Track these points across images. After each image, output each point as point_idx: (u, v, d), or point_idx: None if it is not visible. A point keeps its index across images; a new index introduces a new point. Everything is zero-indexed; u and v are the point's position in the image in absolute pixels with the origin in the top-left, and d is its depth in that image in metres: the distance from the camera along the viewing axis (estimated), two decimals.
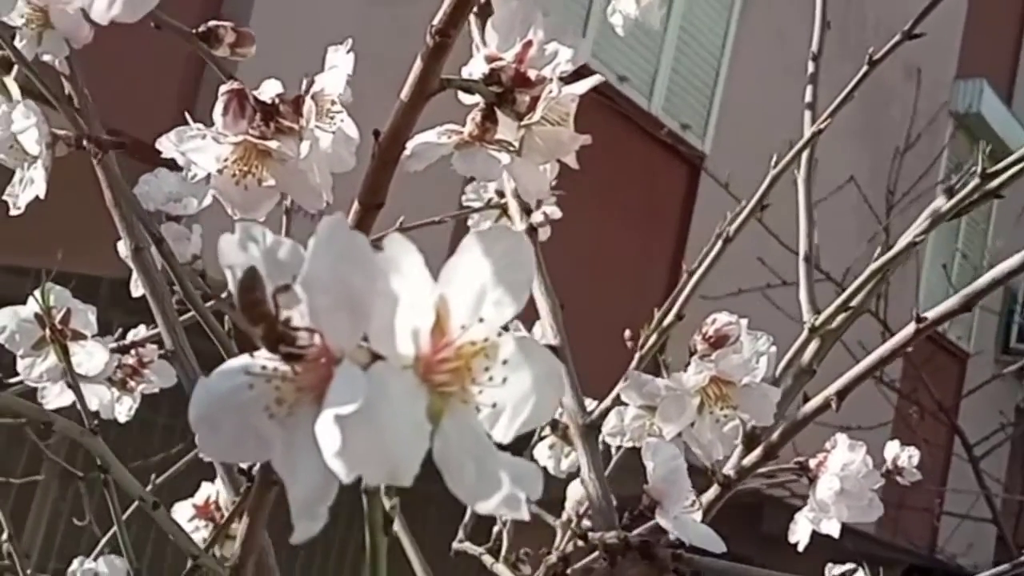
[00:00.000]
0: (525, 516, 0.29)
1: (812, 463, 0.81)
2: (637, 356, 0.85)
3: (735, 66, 6.17)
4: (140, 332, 1.04)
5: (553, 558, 0.72)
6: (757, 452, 0.81)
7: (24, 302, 0.79)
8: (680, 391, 0.67)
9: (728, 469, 0.81)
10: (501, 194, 1.18)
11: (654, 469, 0.59)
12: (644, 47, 5.56)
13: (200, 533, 1.28)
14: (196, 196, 0.93)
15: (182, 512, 1.28)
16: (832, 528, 0.80)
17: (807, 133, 0.93)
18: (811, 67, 0.96)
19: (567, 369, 0.89)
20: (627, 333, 0.91)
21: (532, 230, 0.98)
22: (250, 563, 0.69)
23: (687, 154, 5.91)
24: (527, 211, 0.98)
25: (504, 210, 1.17)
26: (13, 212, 0.64)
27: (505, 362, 0.30)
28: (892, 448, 1.49)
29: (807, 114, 0.95)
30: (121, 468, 0.59)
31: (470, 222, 1.17)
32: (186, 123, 0.55)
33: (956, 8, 7.09)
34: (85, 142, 0.67)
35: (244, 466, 1.07)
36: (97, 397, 1.05)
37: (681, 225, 5.99)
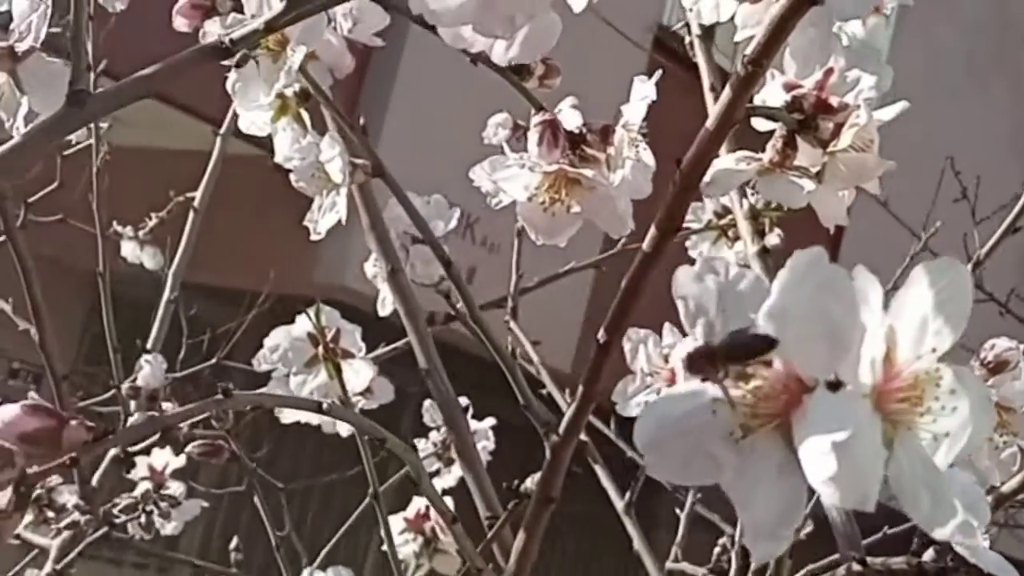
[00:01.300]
0: (979, 543, 0.29)
1: None
2: None
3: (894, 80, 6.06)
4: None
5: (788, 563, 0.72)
6: (1017, 480, 0.79)
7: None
8: None
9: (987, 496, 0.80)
10: (719, 215, 1.19)
11: None
12: None
13: (410, 546, 1.31)
14: (442, 219, 0.96)
15: (394, 525, 1.31)
16: None
17: None
18: None
19: None
20: None
21: (765, 251, 0.98)
22: None
23: None
24: (760, 233, 0.98)
25: (723, 231, 1.17)
26: (314, 237, 0.67)
27: (951, 392, 0.31)
28: None
29: None
30: (430, 485, 0.62)
31: (688, 243, 1.18)
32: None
33: None
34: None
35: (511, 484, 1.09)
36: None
37: (833, 246, 5.91)
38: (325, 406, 0.48)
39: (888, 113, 0.57)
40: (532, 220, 0.59)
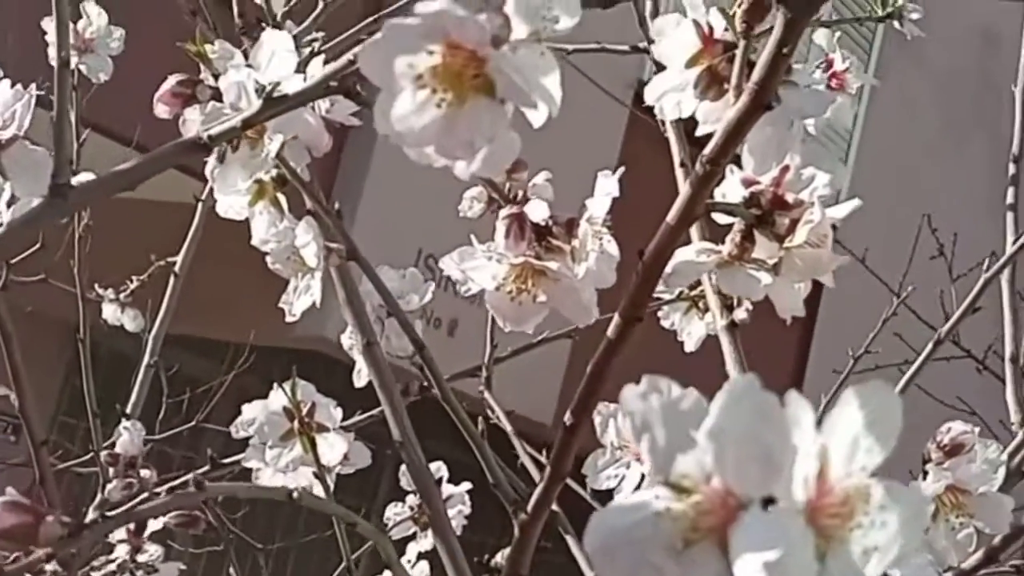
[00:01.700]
0: None
1: None
2: None
3: (866, 139, 6.13)
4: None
5: None
6: (976, 557, 0.81)
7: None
8: None
9: (947, 574, 0.82)
10: (690, 287, 1.22)
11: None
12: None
13: None
14: (417, 293, 0.98)
15: None
16: None
17: (1010, 235, 0.95)
18: (1012, 168, 0.98)
19: None
20: None
21: (733, 325, 1.01)
22: None
23: None
24: (728, 307, 1.01)
25: (694, 302, 1.20)
26: (289, 319, 0.69)
27: (881, 507, 0.33)
28: None
29: (1009, 216, 0.96)
30: (400, 566, 0.63)
31: (660, 313, 1.21)
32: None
33: None
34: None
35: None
36: (306, 479, 1.11)
37: (811, 300, 5.94)
38: (296, 495, 0.50)
39: (841, 211, 0.60)
40: (499, 308, 0.61)
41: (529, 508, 0.70)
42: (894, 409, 0.33)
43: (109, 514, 0.99)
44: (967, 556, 0.75)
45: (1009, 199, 0.99)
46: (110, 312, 1.60)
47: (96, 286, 1.58)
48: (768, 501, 0.32)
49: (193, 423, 1.37)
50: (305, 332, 4.11)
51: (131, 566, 0.92)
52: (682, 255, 0.62)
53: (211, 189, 1.35)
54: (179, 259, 1.31)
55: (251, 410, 0.82)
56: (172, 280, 1.30)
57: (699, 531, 0.32)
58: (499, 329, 1.12)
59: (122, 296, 1.58)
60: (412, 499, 1.39)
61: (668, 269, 0.61)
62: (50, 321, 2.97)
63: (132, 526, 1.23)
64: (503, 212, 0.60)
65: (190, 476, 0.86)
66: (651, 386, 0.33)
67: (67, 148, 0.56)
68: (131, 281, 1.57)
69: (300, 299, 0.68)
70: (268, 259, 0.70)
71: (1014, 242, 0.92)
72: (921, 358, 0.88)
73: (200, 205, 1.34)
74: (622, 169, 0.59)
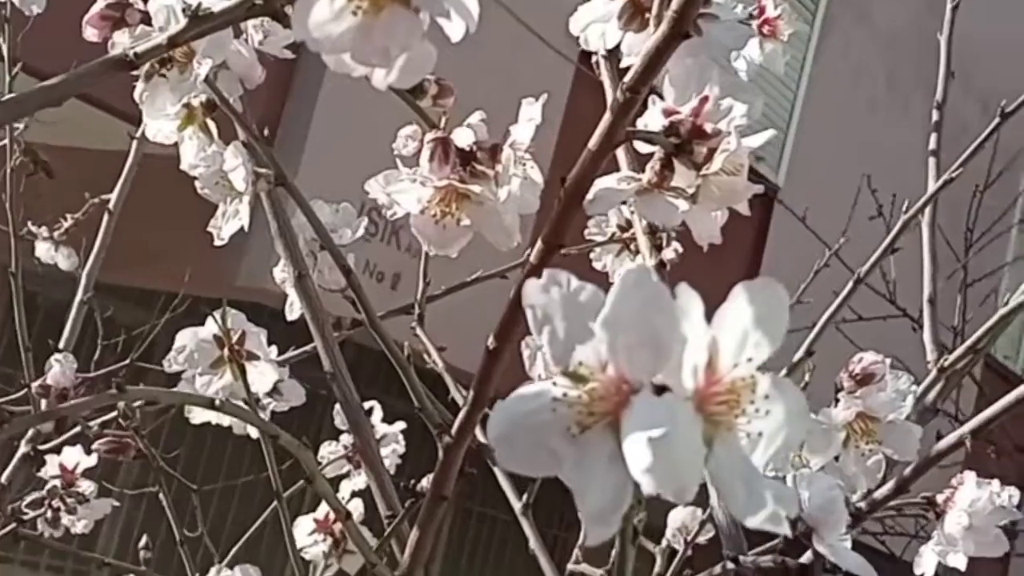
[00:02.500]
0: (787, 532, 0.33)
1: (940, 499, 0.84)
2: None
3: (810, 99, 6.19)
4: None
5: (682, 550, 0.76)
6: (888, 487, 0.84)
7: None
8: (828, 425, 0.71)
9: (860, 503, 0.85)
10: (622, 229, 1.23)
11: (811, 498, 0.63)
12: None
13: (319, 546, 1.33)
14: (349, 227, 0.99)
15: (303, 526, 1.34)
16: (959, 561, 0.83)
17: (931, 180, 0.97)
18: (935, 115, 1.00)
19: None
20: None
21: (662, 265, 1.03)
22: (419, 571, 0.74)
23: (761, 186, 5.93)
24: (657, 247, 1.03)
25: (625, 244, 1.22)
26: (218, 243, 0.69)
27: (765, 397, 0.35)
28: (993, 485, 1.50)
29: (931, 161, 0.98)
30: (323, 483, 0.65)
31: (592, 255, 1.22)
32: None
33: None
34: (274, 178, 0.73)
35: (406, 483, 1.12)
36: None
37: (754, 257, 6.01)
38: (217, 402, 0.51)
39: (757, 140, 0.61)
40: (424, 232, 0.62)
41: (453, 432, 0.71)
42: (781, 306, 0.35)
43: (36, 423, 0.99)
44: (877, 482, 0.78)
45: (932, 144, 1.01)
46: (43, 250, 1.59)
47: (29, 224, 1.57)
48: (660, 390, 0.34)
49: (128, 361, 1.37)
50: (247, 282, 4.09)
51: (61, 492, 0.92)
52: (603, 183, 0.63)
53: (146, 127, 1.34)
54: (113, 196, 1.31)
55: (182, 337, 0.82)
56: (106, 217, 1.30)
57: (595, 415, 0.34)
58: (433, 270, 1.13)
59: (56, 234, 1.57)
60: (346, 438, 1.41)
61: (589, 196, 0.62)
62: None
63: (66, 463, 1.23)
64: (428, 136, 0.61)
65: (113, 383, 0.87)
66: (551, 279, 0.34)
67: None
68: (65, 220, 1.56)
69: (229, 223, 0.69)
70: (197, 184, 0.71)
71: (935, 186, 0.95)
72: (841, 297, 0.91)
73: (135, 143, 1.33)
74: (544, 96, 0.60)
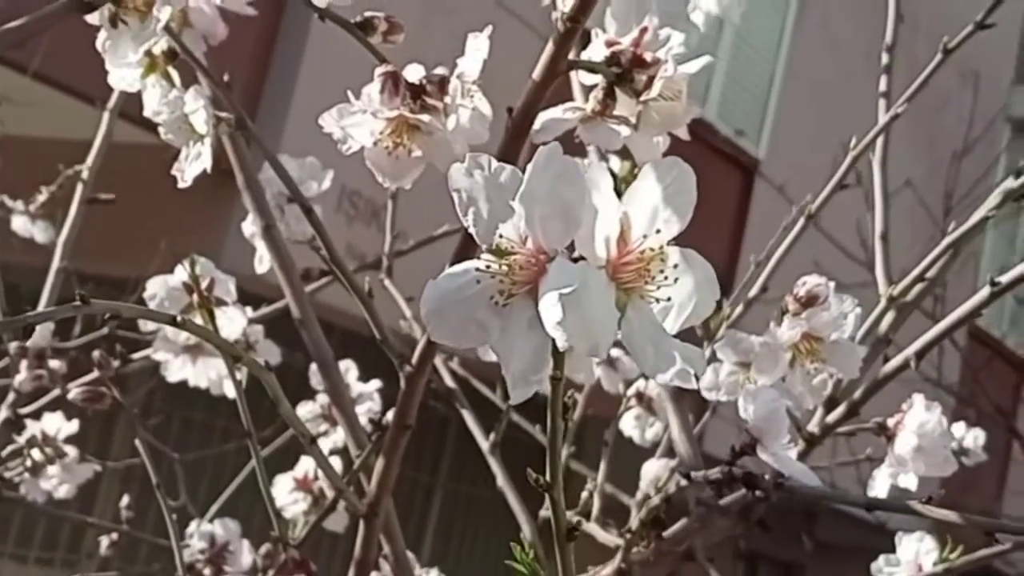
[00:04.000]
0: (693, 386, 0.36)
1: (890, 422, 0.87)
2: (723, 326, 0.93)
3: (790, 72, 6.21)
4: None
5: (655, 500, 0.79)
6: (840, 410, 0.87)
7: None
8: (774, 345, 0.74)
9: (813, 427, 0.88)
10: None
11: (755, 410, 0.66)
12: (698, 53, 5.63)
13: (299, 505, 1.36)
14: (316, 180, 1.01)
15: (283, 485, 1.36)
16: (909, 482, 0.86)
17: (881, 119, 1.00)
18: (885, 58, 1.03)
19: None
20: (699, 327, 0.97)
21: None
22: (385, 498, 0.77)
23: (742, 160, 5.97)
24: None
25: None
26: (181, 185, 0.72)
27: (675, 266, 0.38)
28: (958, 429, 1.54)
29: (882, 102, 1.01)
30: (288, 406, 0.67)
31: None
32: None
33: (1013, 12, 7.09)
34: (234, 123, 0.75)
35: (373, 419, 1.15)
36: (215, 371, 1.14)
37: (736, 230, 6.04)
38: (179, 319, 0.53)
39: (693, 67, 0.64)
40: (378, 164, 0.65)
41: (414, 361, 0.74)
42: (689, 184, 0.38)
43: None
44: (823, 400, 0.81)
45: (882, 87, 1.04)
46: (20, 224, 1.61)
47: (5, 198, 1.59)
48: (576, 261, 0.37)
49: (106, 330, 1.40)
50: (231, 268, 4.11)
51: (39, 443, 0.95)
52: (549, 113, 0.66)
53: (116, 96, 1.36)
54: (86, 166, 1.33)
55: (153, 285, 0.85)
56: (79, 186, 1.32)
57: (516, 284, 0.37)
58: (400, 220, 1.16)
59: (32, 208, 1.59)
60: (322, 398, 1.43)
61: (536, 125, 0.65)
62: None
63: (47, 429, 1.25)
64: (378, 70, 0.63)
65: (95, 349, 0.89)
66: (474, 163, 0.37)
67: None
68: (40, 192, 1.58)
69: (191, 165, 0.71)
70: (160, 130, 0.73)
71: (885, 124, 0.98)
72: (793, 233, 0.94)
73: (106, 114, 1.35)
74: (490, 28, 0.63)
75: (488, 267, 0.37)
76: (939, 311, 3.33)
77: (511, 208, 0.37)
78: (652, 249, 0.37)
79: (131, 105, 1.41)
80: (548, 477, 0.41)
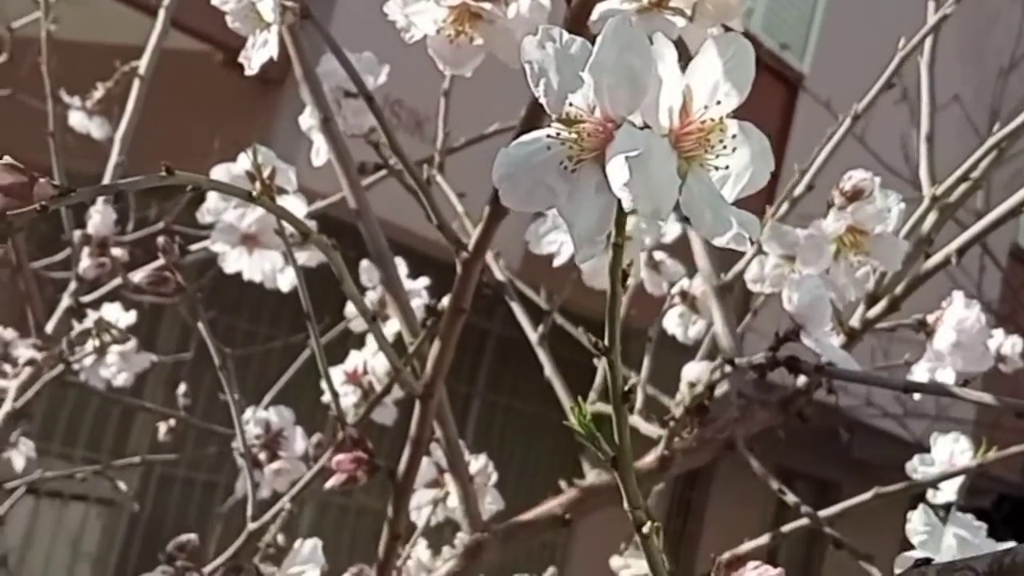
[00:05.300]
0: (748, 249, 0.38)
1: (930, 319, 0.90)
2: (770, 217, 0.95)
3: None
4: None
5: (700, 388, 0.82)
6: (881, 305, 0.90)
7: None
8: (819, 237, 0.76)
9: (855, 321, 0.90)
10: None
11: (799, 297, 0.69)
12: None
13: (349, 398, 1.40)
14: (372, 74, 1.03)
15: (333, 378, 1.40)
16: (947, 376, 0.89)
17: (931, 19, 1.01)
18: None
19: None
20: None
21: None
22: (440, 381, 0.80)
23: (786, 74, 5.92)
24: None
25: None
26: (248, 72, 0.74)
27: (733, 136, 0.40)
28: (997, 336, 1.55)
29: (931, 4, 1.02)
30: (351, 283, 0.70)
31: None
32: None
33: None
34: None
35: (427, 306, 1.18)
36: (269, 263, 1.18)
37: (779, 145, 6.01)
38: (254, 194, 0.56)
39: None
40: (440, 51, 0.67)
41: (470, 246, 0.77)
42: (748, 59, 0.40)
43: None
44: (865, 292, 0.83)
45: None
46: (77, 120, 1.64)
47: (62, 92, 1.62)
48: (643, 129, 0.39)
49: (162, 224, 1.44)
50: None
51: (106, 324, 0.99)
52: (607, 3, 0.68)
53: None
54: (143, 62, 1.35)
55: (216, 173, 0.88)
56: (137, 83, 1.35)
57: (585, 150, 0.39)
58: (454, 119, 1.18)
59: (88, 104, 1.62)
60: (372, 295, 1.47)
61: (594, 15, 0.67)
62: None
63: (107, 319, 1.30)
64: None
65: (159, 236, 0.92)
66: (546, 35, 0.39)
67: None
68: (96, 88, 1.61)
69: (258, 53, 0.74)
70: (227, 19, 0.75)
71: (932, 24, 0.98)
72: (839, 135, 0.95)
73: (162, 10, 1.38)
74: None
75: (558, 135, 0.39)
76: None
77: (581, 78, 0.39)
78: (712, 120, 0.40)
79: (180, 12, 1.44)
80: (607, 341, 0.44)
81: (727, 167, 0.40)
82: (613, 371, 0.45)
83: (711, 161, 0.40)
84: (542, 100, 0.40)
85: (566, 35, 0.39)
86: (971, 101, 4.92)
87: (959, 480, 1.01)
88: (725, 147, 0.40)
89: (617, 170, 0.37)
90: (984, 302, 4.41)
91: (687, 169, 0.40)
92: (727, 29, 0.68)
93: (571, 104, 0.39)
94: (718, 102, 0.40)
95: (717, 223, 0.39)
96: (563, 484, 1.01)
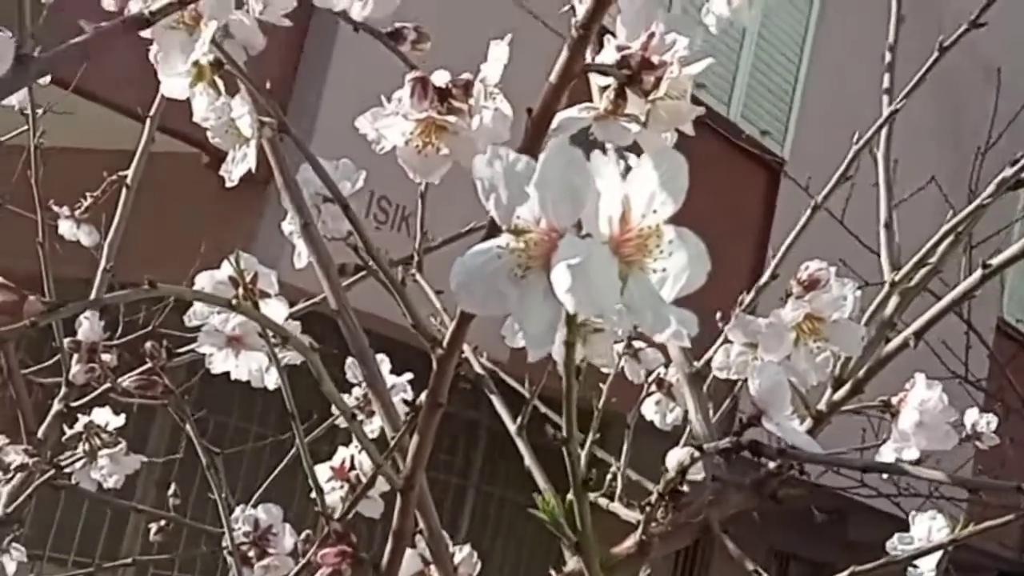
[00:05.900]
0: (686, 343, 0.42)
1: (894, 400, 0.93)
2: (734, 313, 0.98)
3: (813, 72, 6.25)
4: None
5: (672, 473, 0.84)
6: (845, 388, 0.93)
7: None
8: (779, 325, 0.80)
9: (821, 405, 0.94)
10: None
11: (761, 383, 0.72)
12: (722, 54, 5.69)
13: (336, 493, 1.42)
14: (350, 180, 1.07)
15: (320, 474, 1.42)
16: (911, 455, 0.92)
17: (885, 113, 1.05)
18: (888, 56, 1.08)
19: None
20: (718, 314, 1.03)
21: None
22: (420, 473, 0.83)
23: (767, 160, 6.02)
24: None
25: None
26: (229, 184, 0.78)
27: (670, 241, 0.43)
28: (971, 414, 1.58)
29: (885, 98, 1.07)
30: (330, 383, 0.73)
31: None
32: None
33: None
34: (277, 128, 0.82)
35: (408, 399, 1.21)
36: (256, 363, 1.21)
37: (762, 230, 6.09)
38: (234, 302, 0.59)
39: (695, 68, 0.70)
40: (410, 161, 0.71)
41: (444, 343, 0.80)
42: (682, 171, 0.44)
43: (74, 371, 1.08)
44: (826, 377, 0.87)
45: (885, 84, 1.09)
46: (66, 228, 1.69)
47: (51, 203, 1.66)
48: (584, 238, 0.43)
49: (150, 327, 1.47)
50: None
51: (96, 429, 1.01)
52: (566, 113, 0.72)
53: (159, 103, 1.42)
54: (130, 172, 1.39)
55: (201, 280, 0.91)
56: (124, 191, 1.39)
57: (533, 259, 0.43)
58: (438, 214, 1.22)
59: (77, 213, 1.67)
60: (357, 391, 1.50)
61: (554, 124, 0.71)
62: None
63: (97, 422, 1.32)
64: (409, 76, 0.69)
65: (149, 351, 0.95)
66: (494, 154, 0.43)
67: (27, 26, 0.65)
68: (84, 199, 1.65)
69: (238, 166, 0.78)
70: (208, 134, 0.79)
71: (886, 118, 1.03)
72: (801, 222, 0.99)
73: (148, 121, 1.42)
74: (510, 35, 0.69)
75: (508, 245, 0.43)
76: (966, 310, 3.35)
77: (527, 193, 0.42)
78: (650, 227, 0.43)
79: (165, 115, 1.49)
80: (564, 433, 0.47)
81: (665, 269, 0.43)
82: (571, 459, 0.48)
83: (650, 264, 0.43)
84: (492, 213, 0.44)
85: (512, 154, 0.43)
86: (948, 181, 5.00)
87: (937, 556, 1.04)
88: (663, 251, 0.43)
89: (560, 277, 0.40)
90: (972, 380, 4.41)
91: (628, 273, 0.43)
92: (681, 133, 0.72)
93: (519, 217, 0.43)
94: (655, 211, 0.43)
95: (657, 321, 0.42)
96: (552, 573, 1.03)
